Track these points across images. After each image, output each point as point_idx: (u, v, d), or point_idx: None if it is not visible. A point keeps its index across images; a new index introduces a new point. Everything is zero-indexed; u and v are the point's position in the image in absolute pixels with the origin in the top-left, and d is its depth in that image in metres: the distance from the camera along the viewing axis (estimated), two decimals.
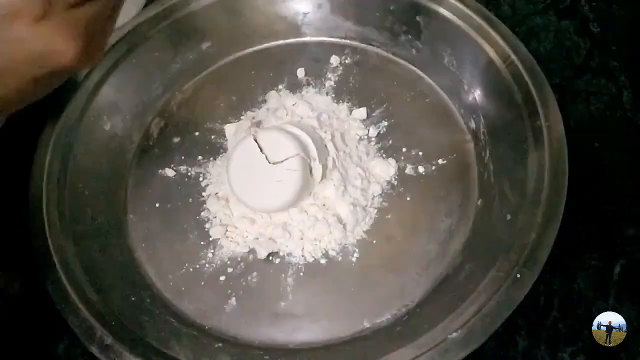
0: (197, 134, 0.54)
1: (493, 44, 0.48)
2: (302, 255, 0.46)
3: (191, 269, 0.47)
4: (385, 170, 0.49)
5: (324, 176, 0.47)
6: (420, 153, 0.50)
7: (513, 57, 0.46)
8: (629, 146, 0.51)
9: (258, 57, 0.59)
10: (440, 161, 0.50)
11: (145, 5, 0.57)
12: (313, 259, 0.46)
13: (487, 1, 0.59)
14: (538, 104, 0.44)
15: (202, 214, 0.49)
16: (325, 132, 0.50)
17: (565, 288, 0.45)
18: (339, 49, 0.58)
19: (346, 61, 0.57)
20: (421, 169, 0.49)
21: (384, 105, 0.53)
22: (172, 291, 0.46)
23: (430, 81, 0.54)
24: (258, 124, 0.53)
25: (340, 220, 0.47)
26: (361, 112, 0.53)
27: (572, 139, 0.42)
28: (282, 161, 0.46)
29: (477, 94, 0.50)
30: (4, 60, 0.25)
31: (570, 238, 0.42)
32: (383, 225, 0.47)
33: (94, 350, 0.39)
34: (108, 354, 0.38)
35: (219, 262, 0.47)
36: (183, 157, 0.53)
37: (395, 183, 0.49)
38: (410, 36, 0.55)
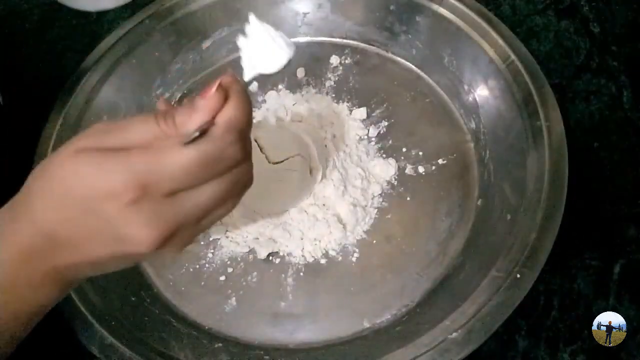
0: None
1: (493, 44, 0.48)
2: (302, 255, 0.46)
3: (191, 269, 0.47)
4: (385, 170, 0.49)
5: (323, 176, 0.47)
6: (420, 153, 0.50)
7: (513, 57, 0.47)
8: (629, 146, 0.51)
9: None
10: (440, 161, 0.50)
11: (145, 5, 0.57)
12: (313, 259, 0.46)
13: (487, 1, 0.59)
14: (538, 103, 0.44)
15: None
16: (326, 131, 0.50)
17: (565, 288, 0.45)
18: (339, 49, 0.58)
19: (346, 61, 0.57)
20: (421, 169, 0.49)
21: (384, 105, 0.53)
22: (172, 291, 0.46)
23: (430, 81, 0.54)
24: (258, 124, 0.53)
25: (340, 220, 0.47)
26: (361, 112, 0.53)
27: (572, 139, 0.42)
28: (282, 161, 0.46)
29: (477, 94, 0.50)
30: (90, 232, 0.25)
31: (570, 238, 0.42)
32: (383, 225, 0.47)
33: (94, 350, 0.39)
34: (108, 354, 0.38)
35: (219, 262, 0.47)
36: None
37: (395, 183, 0.49)
38: (410, 36, 0.55)
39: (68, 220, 0.25)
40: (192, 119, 0.25)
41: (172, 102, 0.57)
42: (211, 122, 0.25)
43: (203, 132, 0.24)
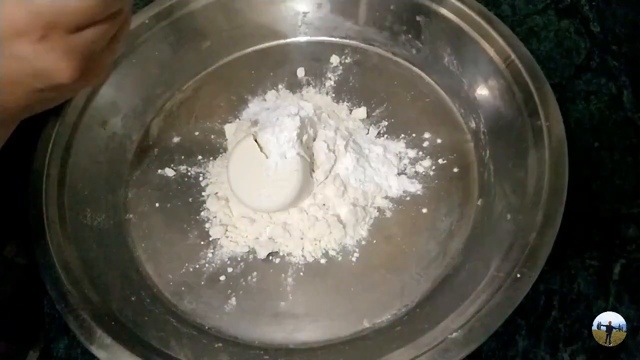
0: (197, 133, 0.54)
1: (493, 43, 0.48)
2: (302, 255, 0.46)
3: (191, 269, 0.47)
4: (385, 170, 0.49)
5: (323, 176, 0.47)
6: (420, 153, 0.50)
7: (513, 56, 0.46)
8: (629, 146, 0.51)
9: (258, 57, 0.59)
10: (440, 161, 0.50)
11: (145, 5, 0.57)
12: (313, 258, 0.46)
13: (487, 1, 0.59)
14: (538, 103, 0.44)
15: (202, 213, 0.49)
16: (326, 131, 0.50)
17: (565, 288, 0.45)
18: (339, 49, 0.58)
19: (346, 61, 0.57)
20: (421, 169, 0.49)
21: (384, 105, 0.53)
22: (172, 291, 0.46)
23: (430, 81, 0.54)
24: (258, 124, 0.53)
25: (340, 220, 0.47)
26: (361, 112, 0.53)
27: (572, 139, 0.42)
28: (282, 161, 0.46)
29: (477, 94, 0.50)
30: (11, 71, 0.28)
31: (570, 238, 0.42)
32: (383, 225, 0.47)
33: (94, 350, 0.39)
34: (108, 354, 0.38)
35: (219, 262, 0.47)
36: (183, 157, 0.53)
37: (395, 183, 0.49)
38: (410, 36, 0.55)
39: None
40: None
41: (172, 103, 0.57)
42: None
43: None
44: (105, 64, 0.32)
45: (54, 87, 0.29)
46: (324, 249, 0.46)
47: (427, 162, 0.50)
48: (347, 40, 0.58)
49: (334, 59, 0.57)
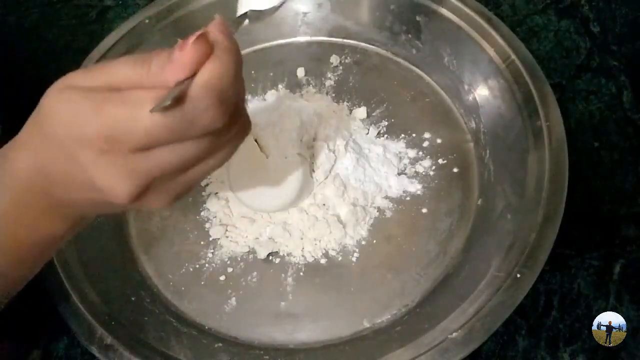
0: None
1: (493, 43, 0.48)
2: (302, 255, 0.46)
3: (191, 269, 0.47)
4: (385, 170, 0.49)
5: (323, 176, 0.47)
6: (420, 153, 0.50)
7: (513, 56, 0.46)
8: (629, 146, 0.51)
9: (258, 57, 0.59)
10: (440, 161, 0.50)
11: (145, 5, 0.57)
12: (313, 258, 0.46)
13: (487, 1, 0.59)
14: (538, 103, 0.44)
15: (202, 213, 0.49)
16: (326, 131, 0.50)
17: (565, 288, 0.45)
18: (339, 49, 0.58)
19: (346, 61, 0.57)
20: (421, 169, 0.49)
21: (384, 105, 0.53)
22: (172, 291, 0.46)
23: (430, 81, 0.54)
24: (258, 124, 0.53)
25: (340, 220, 0.47)
26: (361, 112, 0.53)
27: (572, 139, 0.42)
28: (282, 160, 0.46)
29: (477, 94, 0.50)
30: (70, 174, 0.25)
31: (570, 238, 0.42)
32: (383, 225, 0.47)
33: (94, 350, 0.39)
34: (108, 354, 0.38)
35: (219, 262, 0.47)
36: None
37: (395, 183, 0.49)
38: (410, 36, 0.55)
39: (53, 159, 0.25)
40: (167, 70, 0.23)
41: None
42: (190, 80, 0.22)
43: (180, 95, 0.22)
44: (181, 189, 0.27)
45: (106, 203, 0.26)
46: (324, 249, 0.46)
47: (427, 162, 0.50)
48: (347, 40, 0.58)
49: (334, 59, 0.57)
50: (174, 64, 0.22)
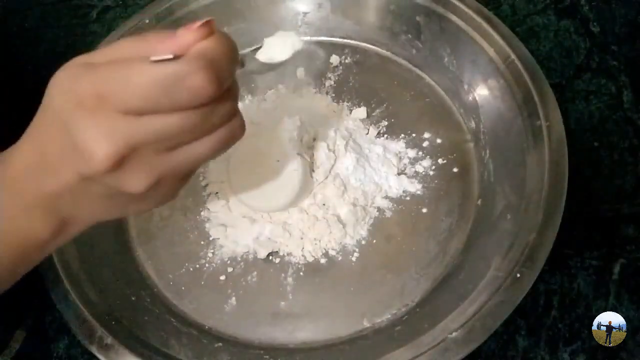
0: None
1: (493, 43, 0.48)
2: (302, 255, 0.46)
3: (191, 269, 0.47)
4: (385, 170, 0.49)
5: (323, 176, 0.47)
6: (420, 153, 0.50)
7: (513, 56, 0.46)
8: (629, 146, 0.51)
9: None
10: (440, 161, 0.50)
11: (145, 5, 0.57)
12: (313, 258, 0.46)
13: (487, 1, 0.59)
14: (538, 103, 0.44)
15: (202, 213, 0.49)
16: (326, 131, 0.50)
17: (565, 288, 0.45)
18: (339, 49, 0.58)
19: (346, 61, 0.57)
20: (421, 169, 0.49)
21: (384, 105, 0.53)
22: (172, 291, 0.46)
23: (430, 81, 0.54)
24: (258, 124, 0.53)
25: (340, 220, 0.47)
26: (361, 112, 0.53)
27: (572, 139, 0.42)
28: (282, 160, 0.46)
29: (477, 94, 0.50)
30: (61, 149, 0.25)
31: (570, 238, 0.42)
32: (383, 225, 0.47)
33: (94, 350, 0.39)
34: (108, 354, 0.38)
35: (219, 262, 0.47)
36: None
37: (395, 183, 0.49)
38: (410, 36, 0.55)
39: (50, 135, 0.25)
40: (167, 42, 0.24)
41: None
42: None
43: (176, 57, 0.23)
44: (155, 175, 0.26)
45: (86, 180, 0.25)
46: (324, 248, 0.46)
47: (427, 162, 0.50)
48: (347, 40, 0.58)
49: (334, 59, 0.57)
50: (177, 37, 0.24)
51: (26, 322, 0.47)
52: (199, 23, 0.24)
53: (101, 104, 0.23)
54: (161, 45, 0.24)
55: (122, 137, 0.24)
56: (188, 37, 0.24)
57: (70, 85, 0.24)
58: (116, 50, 0.25)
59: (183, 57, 0.23)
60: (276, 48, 0.38)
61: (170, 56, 0.23)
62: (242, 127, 0.28)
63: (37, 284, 0.41)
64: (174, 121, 0.24)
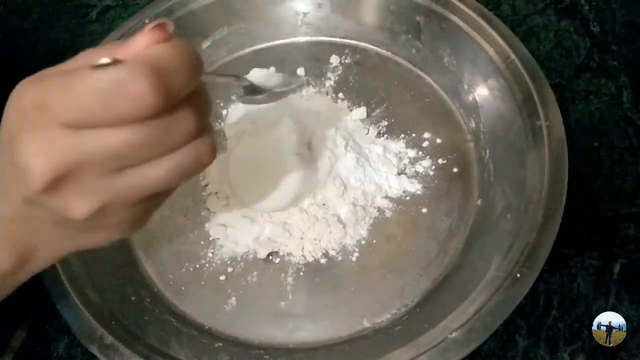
0: None
1: (493, 43, 0.48)
2: (302, 255, 0.46)
3: (191, 269, 0.47)
4: (384, 170, 0.49)
5: (324, 176, 0.47)
6: (420, 153, 0.50)
7: (513, 56, 0.46)
8: (629, 146, 0.51)
9: (258, 57, 0.59)
10: (440, 161, 0.50)
11: (145, 5, 0.57)
12: (313, 258, 0.46)
13: (487, 1, 0.59)
14: (538, 103, 0.44)
15: (202, 213, 0.49)
16: (326, 131, 0.50)
17: (565, 288, 0.45)
18: (338, 49, 0.58)
19: (346, 61, 0.57)
20: (421, 169, 0.49)
21: (384, 105, 0.53)
22: (172, 291, 0.46)
23: (430, 81, 0.54)
24: (258, 124, 0.53)
25: (340, 220, 0.47)
26: (361, 112, 0.53)
27: (572, 139, 0.42)
28: (282, 160, 0.46)
29: (477, 94, 0.50)
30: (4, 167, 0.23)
31: (570, 238, 0.42)
32: (383, 225, 0.47)
33: (94, 350, 0.39)
34: (108, 354, 0.38)
35: (219, 261, 0.47)
36: None
37: (395, 183, 0.49)
38: (410, 36, 0.55)
39: (2, 156, 0.23)
40: (116, 49, 0.22)
41: None
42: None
43: (120, 60, 0.21)
44: (101, 197, 0.23)
45: (25, 198, 0.23)
46: (324, 248, 0.46)
47: (427, 162, 0.50)
48: (347, 40, 0.58)
49: (334, 59, 0.57)
50: (129, 44, 0.22)
51: (26, 322, 0.47)
52: (150, 26, 0.22)
53: (42, 116, 0.21)
54: (109, 52, 0.22)
55: (60, 152, 0.21)
56: (138, 42, 0.22)
57: (17, 99, 0.22)
58: (70, 62, 0.23)
59: (125, 62, 0.21)
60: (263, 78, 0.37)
61: (109, 61, 0.21)
62: (210, 151, 0.24)
63: (37, 284, 0.41)
64: (118, 137, 0.21)
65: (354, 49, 0.58)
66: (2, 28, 0.67)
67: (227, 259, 0.47)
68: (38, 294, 0.43)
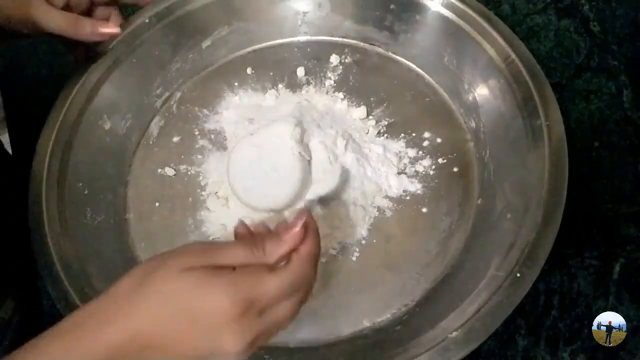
0: (196, 133, 0.54)
1: (493, 43, 0.48)
2: None
3: None
4: (385, 169, 0.49)
5: (323, 175, 0.47)
6: (420, 152, 0.50)
7: (513, 56, 0.46)
8: (629, 146, 0.51)
9: (258, 57, 0.59)
10: (440, 160, 0.50)
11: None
12: None
13: (487, 1, 0.59)
14: (538, 103, 0.44)
15: (202, 213, 0.49)
16: (326, 131, 0.50)
17: (565, 287, 0.45)
18: (338, 48, 0.58)
19: (346, 60, 0.57)
20: (421, 168, 0.49)
21: (384, 105, 0.53)
22: None
23: (431, 80, 0.54)
24: (258, 123, 0.53)
25: (340, 220, 0.47)
26: (361, 111, 0.53)
27: (572, 139, 0.42)
28: (282, 160, 0.46)
29: (477, 94, 0.50)
30: (187, 337, 0.29)
31: (570, 238, 0.42)
32: (383, 224, 0.47)
33: None
34: None
35: None
36: (183, 156, 0.53)
37: (395, 183, 0.49)
38: (410, 35, 0.55)
39: (170, 327, 0.29)
40: (279, 250, 0.31)
41: (172, 102, 0.57)
42: (293, 252, 0.31)
43: (286, 260, 0.31)
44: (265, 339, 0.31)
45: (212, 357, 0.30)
46: (324, 248, 0.46)
47: (427, 162, 0.50)
48: (347, 40, 0.58)
49: (334, 59, 0.57)
50: (286, 242, 0.32)
51: (26, 321, 0.47)
52: (298, 225, 0.32)
53: (246, 309, 0.29)
54: (276, 250, 0.31)
55: (255, 333, 0.29)
56: (296, 240, 0.32)
57: (209, 294, 0.28)
58: (227, 255, 0.31)
59: (299, 261, 0.31)
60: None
61: (282, 264, 0.31)
62: (311, 288, 0.33)
63: (38, 284, 0.41)
64: (288, 304, 0.31)
65: (354, 49, 0.58)
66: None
67: None
68: (38, 294, 0.43)
